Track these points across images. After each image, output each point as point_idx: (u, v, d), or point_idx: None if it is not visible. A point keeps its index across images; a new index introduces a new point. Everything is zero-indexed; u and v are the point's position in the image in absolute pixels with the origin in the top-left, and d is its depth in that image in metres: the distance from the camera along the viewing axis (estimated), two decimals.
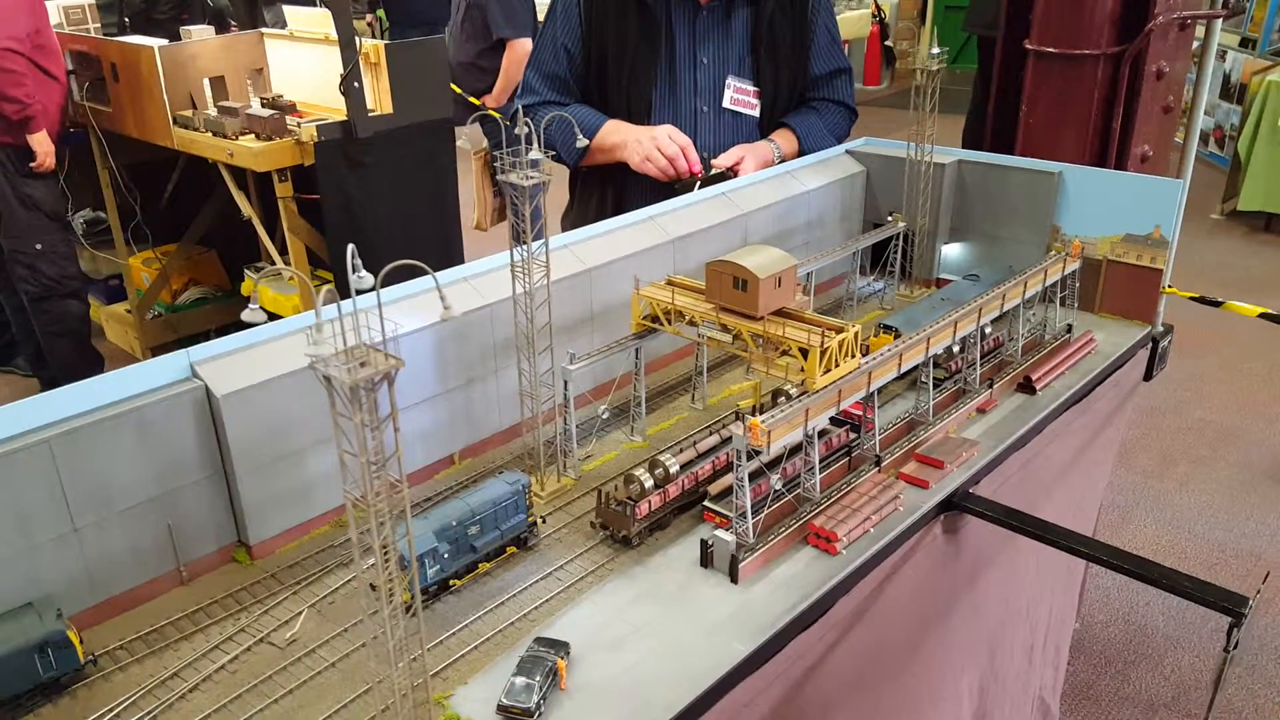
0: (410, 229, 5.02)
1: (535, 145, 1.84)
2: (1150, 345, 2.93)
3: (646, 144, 3.10)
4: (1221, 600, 1.84)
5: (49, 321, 5.68)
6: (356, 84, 4.67)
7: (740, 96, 3.31)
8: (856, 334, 2.00)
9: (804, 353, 1.95)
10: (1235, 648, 1.80)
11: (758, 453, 1.84)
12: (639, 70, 3.21)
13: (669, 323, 2.22)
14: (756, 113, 3.36)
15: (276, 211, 4.97)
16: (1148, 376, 3.06)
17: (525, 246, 1.96)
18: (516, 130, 1.84)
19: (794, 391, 2.01)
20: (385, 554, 1.26)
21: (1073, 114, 3.09)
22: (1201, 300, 3.29)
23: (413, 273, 2.22)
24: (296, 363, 1.93)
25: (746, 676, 1.69)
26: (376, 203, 4.86)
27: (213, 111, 5.11)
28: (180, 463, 1.83)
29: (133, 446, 1.75)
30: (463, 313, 2.18)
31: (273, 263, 5.12)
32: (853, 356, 2.01)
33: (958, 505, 2.13)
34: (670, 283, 2.28)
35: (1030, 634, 2.80)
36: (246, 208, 5.12)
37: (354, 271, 1.23)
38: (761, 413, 1.88)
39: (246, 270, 5.78)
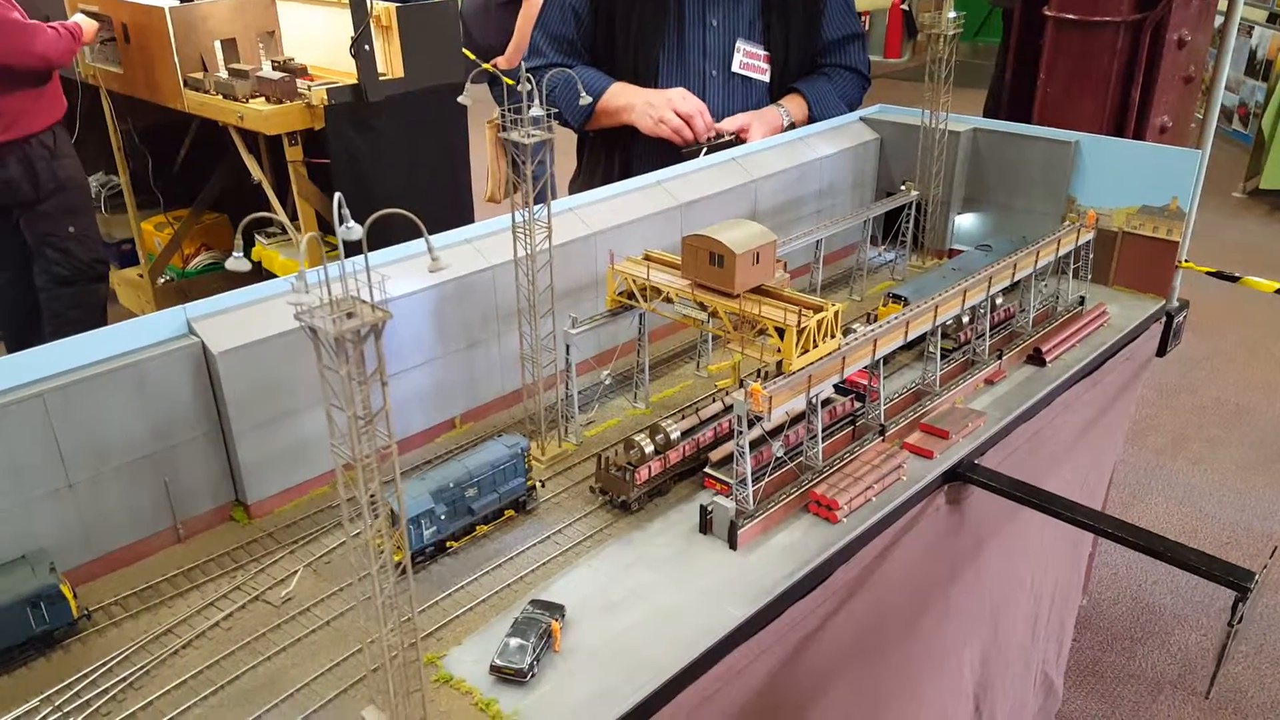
0: (420, 194, 4.99)
1: (537, 102, 1.80)
2: (1164, 320, 2.88)
3: (660, 106, 3.05)
4: (1227, 575, 1.82)
5: (71, 304, 5.49)
6: (367, 47, 4.63)
7: (750, 61, 3.25)
8: (837, 313, 1.93)
9: (780, 332, 1.89)
10: (1240, 622, 1.77)
11: (759, 419, 1.82)
12: (646, 32, 3.16)
13: (645, 299, 2.16)
14: (766, 78, 3.30)
15: (288, 176, 4.95)
16: (1161, 352, 3.01)
17: (527, 208, 1.93)
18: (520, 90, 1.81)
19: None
20: (374, 511, 1.24)
21: (1091, 83, 3.03)
22: (1219, 275, 3.24)
23: (414, 234, 2.21)
24: (292, 322, 1.91)
25: (742, 642, 1.68)
26: (386, 167, 4.83)
27: (223, 74, 5.08)
28: (177, 419, 1.82)
29: (129, 402, 1.75)
30: (464, 274, 2.15)
31: (283, 228, 5.11)
32: (832, 337, 1.95)
33: (962, 476, 2.10)
34: (648, 257, 2.23)
35: (1034, 607, 2.78)
36: (257, 171, 5.10)
37: (341, 223, 1.21)
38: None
39: (257, 235, 5.77)
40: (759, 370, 2.11)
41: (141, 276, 6.50)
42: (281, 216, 5.08)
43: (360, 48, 4.61)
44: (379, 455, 1.22)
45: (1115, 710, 3.72)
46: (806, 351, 1.89)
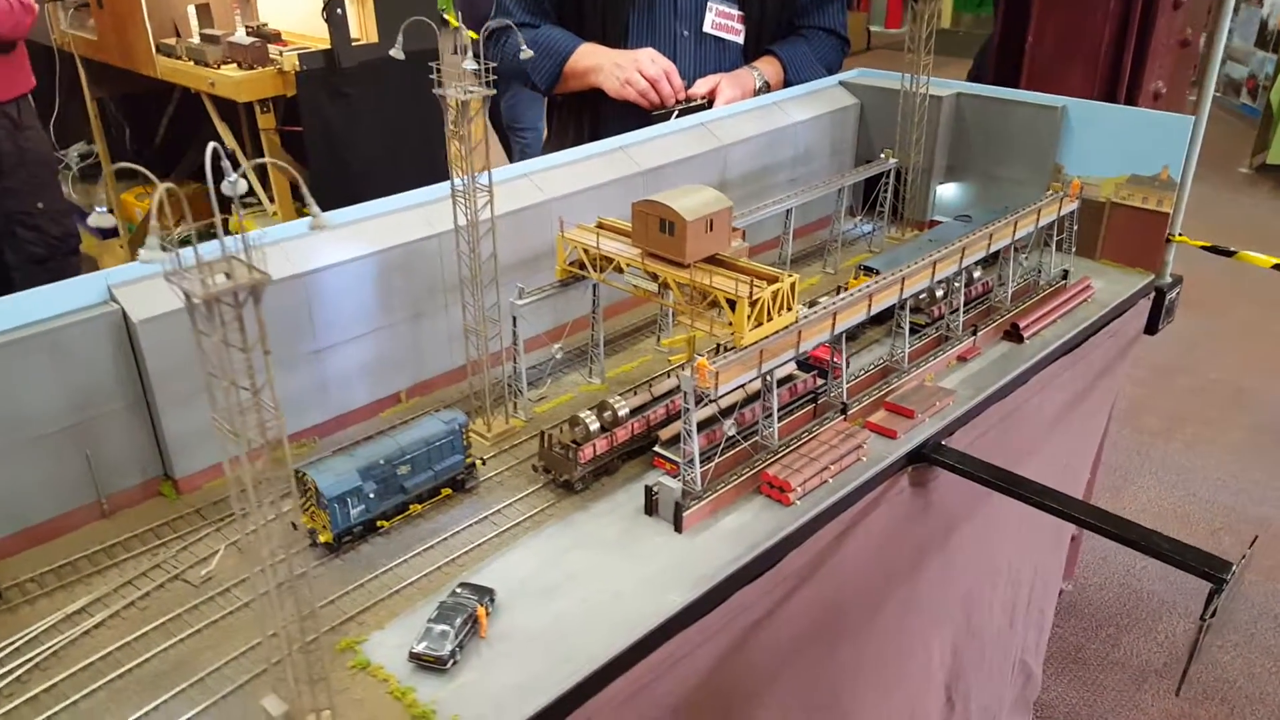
0: (396, 163, 4.87)
1: (470, 56, 1.70)
2: (1154, 296, 2.77)
3: (626, 67, 2.94)
4: (1202, 565, 1.72)
5: (48, 282, 5.44)
6: (339, 11, 4.50)
7: (723, 21, 3.12)
8: (793, 284, 1.82)
9: (732, 304, 1.78)
10: (1213, 615, 1.68)
11: (705, 396, 1.72)
12: None
13: (596, 269, 2.06)
14: (740, 39, 3.18)
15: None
16: (1152, 330, 2.91)
17: (468, 174, 1.83)
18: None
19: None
20: (267, 495, 1.15)
21: (1082, 46, 2.90)
22: (1214, 249, 3.12)
23: (355, 199, 2.11)
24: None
25: (681, 630, 1.59)
26: (360, 136, 4.71)
27: (196, 40, 4.96)
28: (97, 390, 1.73)
29: (44, 371, 1.66)
30: (409, 241, 2.06)
31: (257, 198, 5.00)
32: (788, 310, 1.84)
33: (927, 457, 2.00)
34: (601, 225, 2.12)
35: (1012, 594, 2.69)
36: (230, 140, 4.98)
37: (225, 177, 1.11)
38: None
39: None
40: (717, 345, 2.01)
41: (123, 247, 6.40)
42: (255, 185, 4.97)
43: (332, 11, 4.48)
44: (264, 428, 1.13)
45: (1098, 699, 3.64)
46: (760, 325, 1.79)
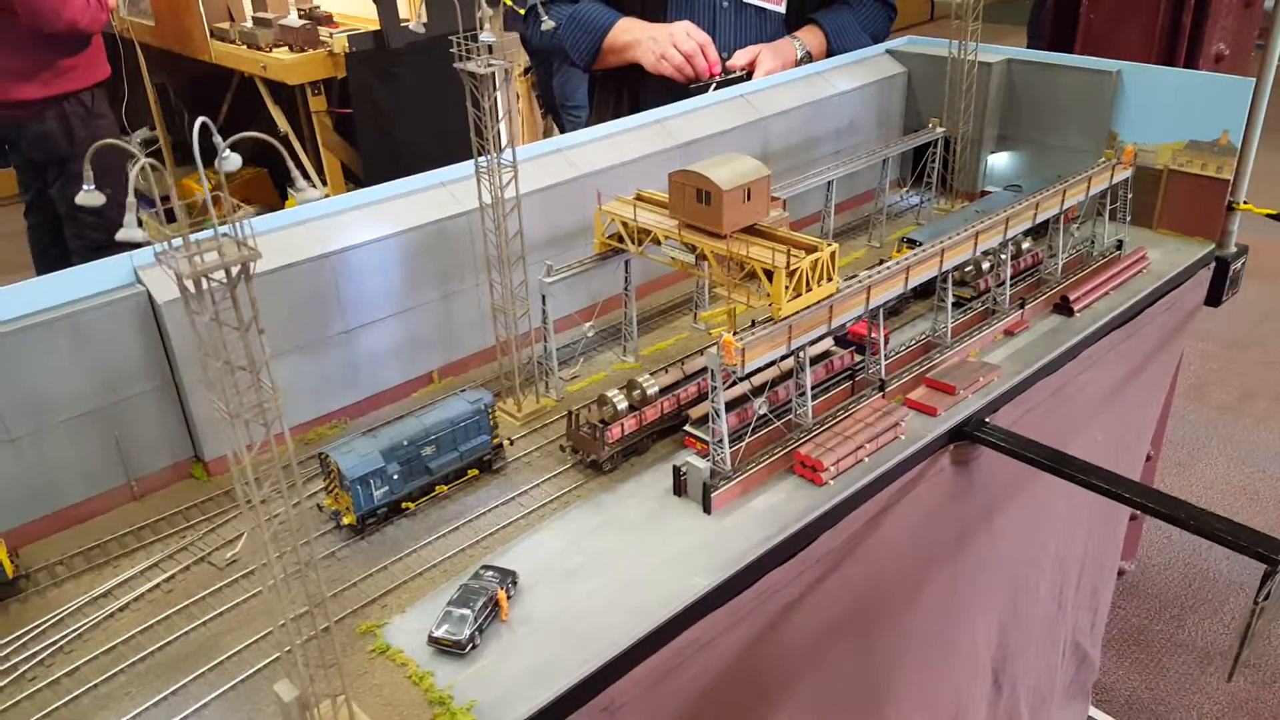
0: (445, 144, 4.86)
1: (488, 27, 1.66)
2: (1214, 266, 2.63)
3: (662, 41, 2.87)
4: (1256, 545, 1.63)
5: None
6: None
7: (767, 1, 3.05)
8: (833, 254, 1.76)
9: (770, 275, 1.73)
10: (1267, 599, 1.59)
11: (734, 374, 1.68)
12: None
13: (635, 242, 2.02)
14: (782, 8, 3.09)
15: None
16: (1215, 302, 2.76)
17: (493, 151, 1.80)
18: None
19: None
20: (259, 480, 1.14)
21: (1139, 7, 2.76)
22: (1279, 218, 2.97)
23: (379, 179, 2.10)
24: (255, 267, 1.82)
25: (707, 613, 1.56)
26: (409, 116, 4.73)
27: (249, 23, 5.02)
28: (125, 373, 1.74)
29: (70, 354, 1.67)
30: (437, 219, 2.04)
31: (309, 179, 5.05)
32: (829, 280, 1.78)
33: (969, 435, 1.93)
34: (640, 197, 2.08)
35: (1060, 575, 2.60)
36: (283, 123, 5.04)
37: (220, 153, 1.09)
38: None
39: (289, 189, 5.74)
40: (754, 320, 1.96)
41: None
42: (308, 167, 5.03)
43: None
44: (263, 410, 1.11)
45: (1160, 681, 3.53)
46: (799, 296, 1.74)
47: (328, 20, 4.96)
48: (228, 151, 1.09)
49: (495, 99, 1.70)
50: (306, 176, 5.11)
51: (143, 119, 6.72)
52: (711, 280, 1.88)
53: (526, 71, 5.54)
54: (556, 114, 6.48)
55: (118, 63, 5.60)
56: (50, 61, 4.78)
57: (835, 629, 1.86)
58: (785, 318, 1.72)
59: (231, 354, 1.08)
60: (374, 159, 4.78)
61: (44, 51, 4.58)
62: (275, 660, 1.44)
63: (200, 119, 1.06)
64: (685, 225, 1.91)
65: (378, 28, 4.63)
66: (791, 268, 1.70)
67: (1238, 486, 4.46)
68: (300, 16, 4.95)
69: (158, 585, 1.61)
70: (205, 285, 1.05)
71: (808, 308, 1.75)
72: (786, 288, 1.71)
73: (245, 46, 4.89)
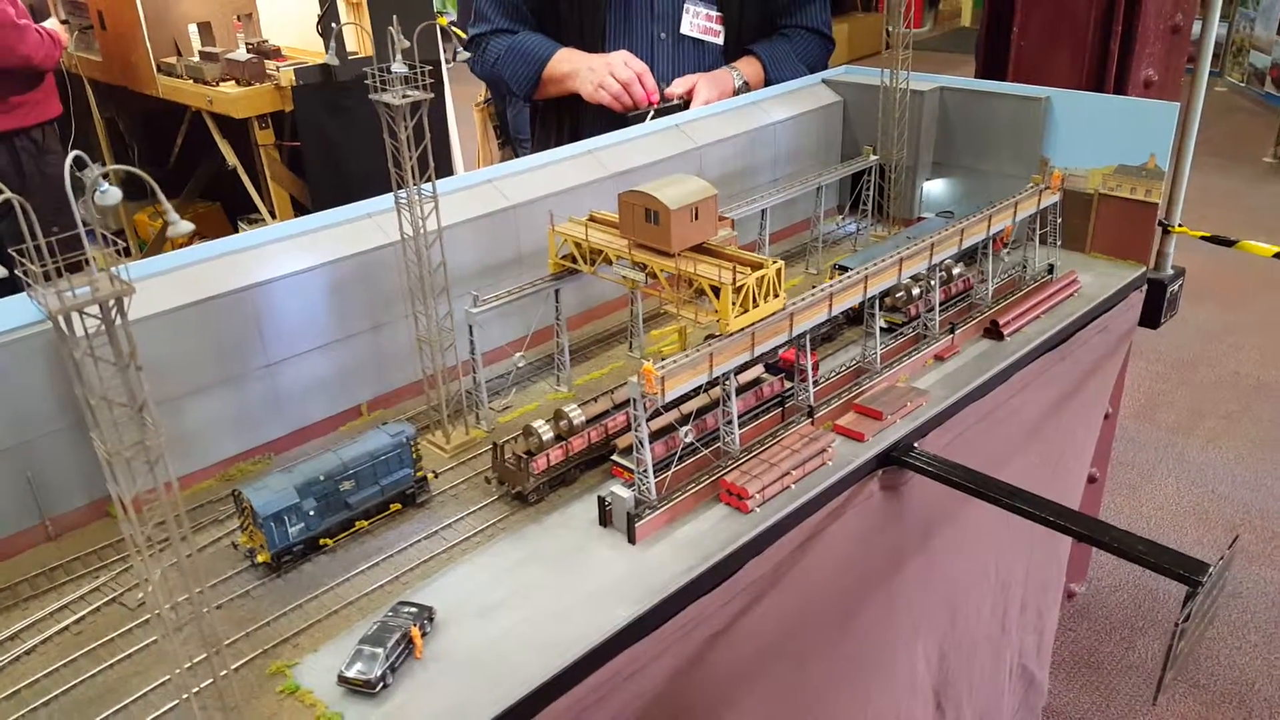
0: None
1: (399, 57, 1.66)
2: (1148, 288, 2.67)
3: (599, 70, 2.89)
4: (1177, 567, 1.64)
5: None
6: (334, 24, 4.51)
7: (701, 22, 3.07)
8: (779, 271, 1.80)
9: (717, 291, 1.76)
10: (1187, 620, 1.60)
11: (660, 403, 1.67)
12: None
13: (588, 262, 2.04)
14: (720, 40, 3.12)
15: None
16: (1154, 324, 2.80)
17: (412, 182, 1.79)
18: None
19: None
20: (141, 521, 1.11)
21: (1067, 34, 2.82)
22: (1214, 240, 3.03)
23: (305, 209, 2.08)
24: (168, 302, 1.80)
25: (627, 646, 1.54)
26: (360, 149, 4.70)
27: (195, 58, 4.99)
28: (36, 411, 1.70)
29: None
30: (362, 251, 2.02)
31: (259, 212, 5.02)
32: (775, 296, 1.82)
33: (896, 460, 1.93)
34: (593, 218, 2.10)
35: (1003, 597, 2.60)
36: (231, 157, 5.01)
37: (97, 189, 1.07)
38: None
39: (240, 222, 5.69)
40: (707, 337, 1.97)
41: None
42: (258, 201, 4.99)
43: (327, 25, 4.49)
44: (145, 447, 1.09)
45: (1110, 703, 3.53)
46: (746, 312, 1.76)
47: (275, 54, 4.94)
48: (105, 185, 1.07)
49: (410, 130, 1.69)
50: (256, 210, 5.07)
51: (93, 155, 6.65)
52: (661, 298, 1.89)
53: (487, 101, 5.56)
54: (514, 145, 6.51)
55: (66, 99, 5.56)
56: (2, 97, 4.74)
57: (766, 657, 1.84)
58: (733, 333, 1.74)
59: (111, 391, 1.06)
60: (322, 191, 4.75)
61: None
62: (181, 703, 1.40)
63: (74, 153, 1.04)
64: (635, 245, 1.94)
65: (324, 61, 4.62)
66: (738, 284, 1.73)
67: (1187, 507, 4.51)
68: (248, 50, 4.93)
69: (66, 627, 1.57)
70: (79, 321, 1.02)
71: (756, 323, 1.78)
72: (734, 304, 1.73)
73: (192, 81, 4.86)
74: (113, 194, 1.07)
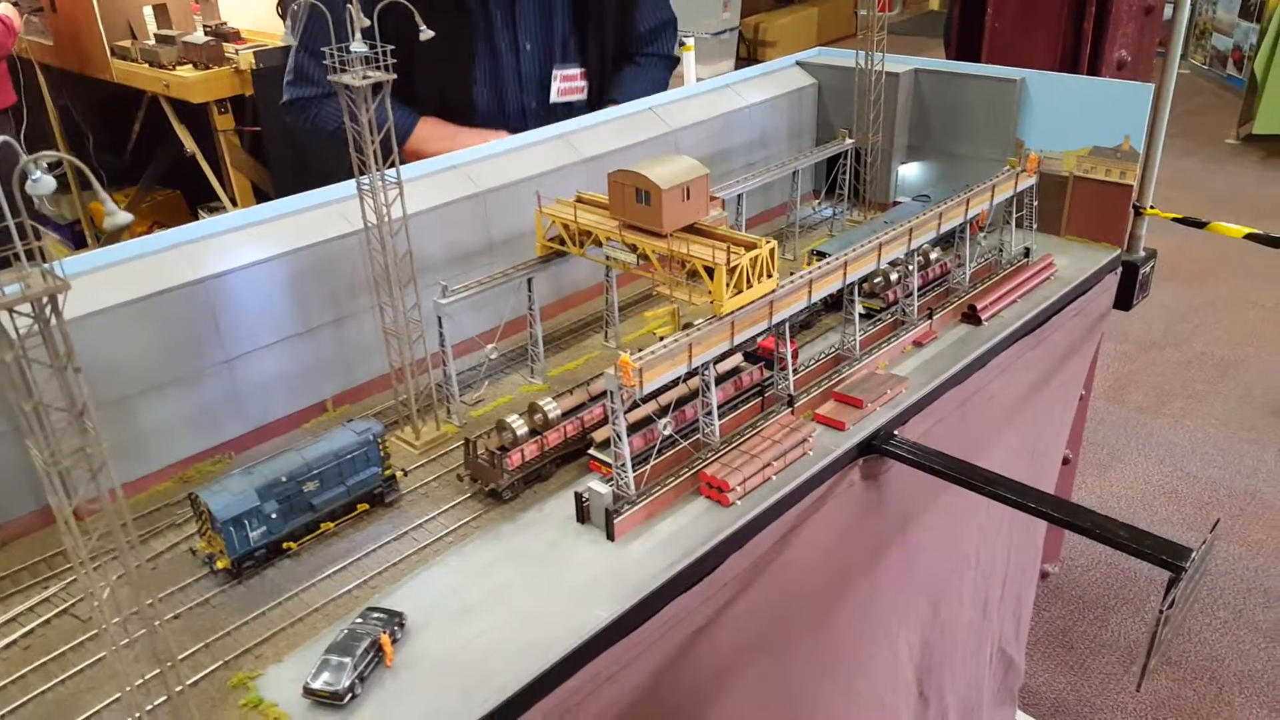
0: None
1: (359, 36, 1.58)
2: (1122, 270, 2.66)
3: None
4: (1160, 553, 1.62)
5: None
6: (295, 5, 4.38)
7: (567, 85, 3.00)
8: (772, 251, 1.76)
9: (710, 272, 1.71)
10: (1171, 607, 1.57)
11: (637, 395, 1.62)
12: (459, 62, 2.82)
13: (577, 244, 1.98)
14: (584, 96, 3.06)
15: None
16: (1126, 305, 2.79)
17: (375, 168, 1.71)
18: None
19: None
20: (77, 527, 1.04)
21: (1041, 14, 2.79)
22: (1185, 221, 3.01)
23: (267, 197, 2.00)
24: (118, 296, 1.72)
25: (608, 647, 1.49)
26: (310, 134, 4.60)
27: (151, 41, 4.85)
28: None
29: None
30: (323, 240, 1.94)
31: (220, 202, 4.89)
32: (769, 276, 1.78)
33: (877, 448, 1.90)
34: (580, 199, 2.04)
35: (983, 584, 2.59)
36: (190, 143, 4.88)
37: (29, 175, 0.99)
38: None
39: (200, 210, 5.56)
40: (684, 325, 1.92)
41: None
42: (217, 188, 4.87)
43: (288, 6, 4.37)
44: (86, 453, 1.02)
45: (1085, 682, 3.55)
46: (740, 293, 1.73)
47: (235, 36, 4.82)
48: (38, 173, 0.99)
49: (373, 113, 1.62)
50: (216, 196, 4.95)
51: (46, 142, 6.46)
52: (653, 280, 1.85)
53: None
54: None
55: (16, 86, 5.38)
56: None
57: (749, 651, 1.80)
58: (727, 314, 1.70)
59: (48, 395, 0.99)
60: (285, 178, 4.64)
61: None
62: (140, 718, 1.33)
63: (3, 138, 0.96)
64: (626, 225, 1.89)
65: (283, 42, 4.50)
66: (732, 265, 1.69)
67: (1157, 486, 4.54)
68: (206, 33, 4.80)
69: (14, 641, 1.49)
70: (9, 321, 0.95)
71: (750, 304, 1.74)
72: (727, 285, 1.69)
73: (147, 65, 4.72)
74: (45, 182, 0.99)
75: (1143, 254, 2.72)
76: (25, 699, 1.38)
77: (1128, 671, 3.58)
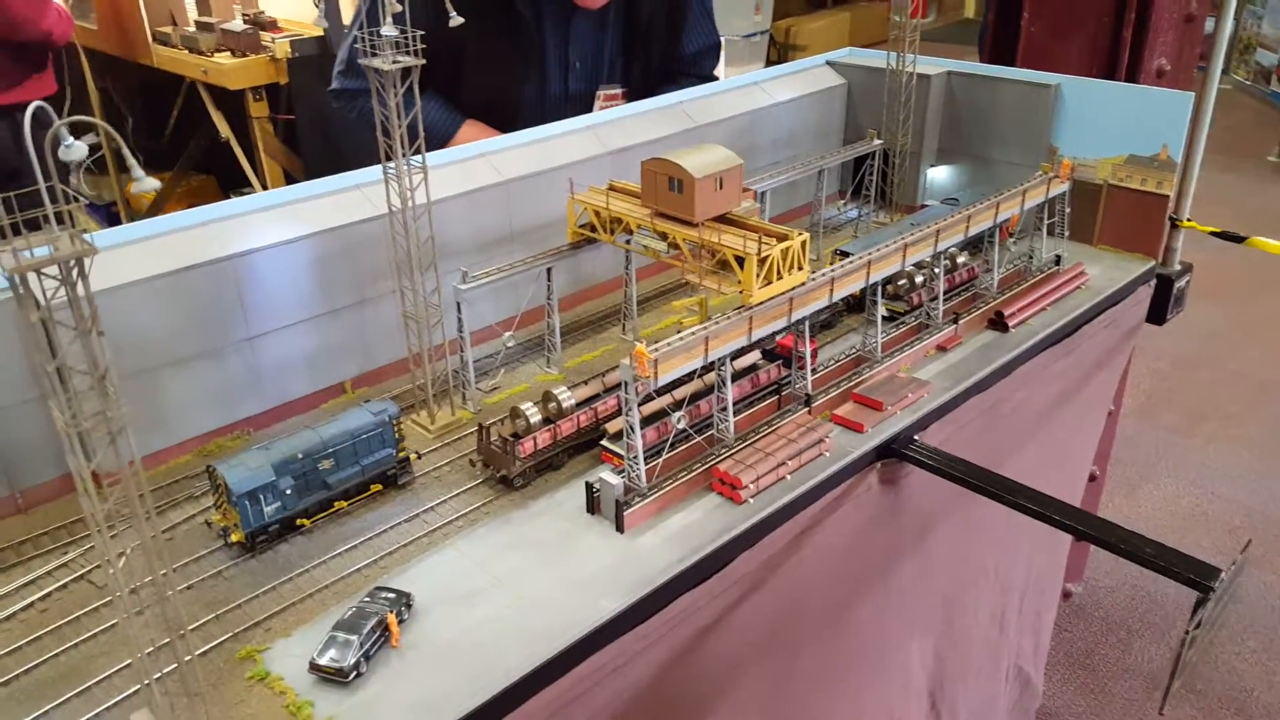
0: None
1: (389, 20, 1.58)
2: (1157, 283, 2.61)
3: None
4: (1188, 572, 1.58)
5: None
6: None
7: (608, 104, 3.01)
8: (804, 243, 1.75)
9: (741, 262, 1.70)
10: (1198, 627, 1.54)
11: (653, 387, 1.61)
12: (511, 72, 2.85)
13: (608, 231, 1.98)
14: (622, 101, 3.06)
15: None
16: (1159, 320, 2.74)
17: (400, 153, 1.72)
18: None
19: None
20: (95, 492, 1.05)
21: (1079, 20, 2.75)
22: (1224, 235, 2.95)
23: (293, 179, 2.01)
24: (148, 270, 1.73)
25: (614, 639, 1.48)
26: (352, 121, 4.63)
27: (191, 28, 4.91)
28: (6, 381, 1.64)
29: None
30: (348, 223, 1.95)
31: (251, 188, 4.94)
32: (800, 268, 1.77)
33: (896, 452, 1.87)
34: (612, 187, 2.04)
35: (1001, 598, 2.55)
36: (225, 129, 4.93)
37: (61, 143, 1.00)
38: None
39: (232, 195, 5.61)
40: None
41: None
42: (249, 173, 4.91)
43: None
44: (108, 417, 1.03)
45: (1106, 706, 3.48)
46: (770, 284, 1.72)
47: (272, 25, 4.87)
48: (70, 139, 1.00)
49: (400, 97, 1.62)
50: (248, 182, 5.00)
51: (90, 126, 6.54)
52: (683, 269, 1.84)
53: None
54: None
55: (61, 69, 5.46)
56: (9, 73, 4.65)
57: (757, 652, 1.79)
58: (757, 304, 1.70)
59: (72, 358, 0.99)
60: (316, 166, 4.68)
61: (5, 63, 4.44)
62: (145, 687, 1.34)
63: (35, 103, 0.97)
64: (657, 214, 1.90)
65: (322, 34, 4.54)
66: (763, 255, 1.69)
67: (1187, 509, 4.45)
68: (245, 21, 4.85)
69: (32, 604, 1.51)
70: (37, 282, 0.96)
71: (779, 295, 1.74)
72: (757, 275, 1.69)
73: (187, 51, 4.78)
74: (78, 149, 1.00)
75: (1178, 267, 2.67)
76: (40, 660, 1.40)
77: (1150, 698, 3.51)
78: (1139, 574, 4.08)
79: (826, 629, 1.95)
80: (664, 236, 1.88)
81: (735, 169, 1.85)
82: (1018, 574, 2.61)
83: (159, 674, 1.23)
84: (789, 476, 1.75)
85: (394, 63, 1.63)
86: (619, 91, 3.06)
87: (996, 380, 2.12)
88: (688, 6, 3.09)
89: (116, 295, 1.69)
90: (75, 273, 0.98)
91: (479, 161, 2.19)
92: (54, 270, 0.98)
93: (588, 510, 1.69)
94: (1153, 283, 2.59)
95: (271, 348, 1.91)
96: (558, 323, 2.10)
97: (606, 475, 1.66)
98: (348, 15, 4.58)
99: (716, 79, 3.28)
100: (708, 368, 1.70)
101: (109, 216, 6.85)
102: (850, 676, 2.07)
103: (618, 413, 1.86)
